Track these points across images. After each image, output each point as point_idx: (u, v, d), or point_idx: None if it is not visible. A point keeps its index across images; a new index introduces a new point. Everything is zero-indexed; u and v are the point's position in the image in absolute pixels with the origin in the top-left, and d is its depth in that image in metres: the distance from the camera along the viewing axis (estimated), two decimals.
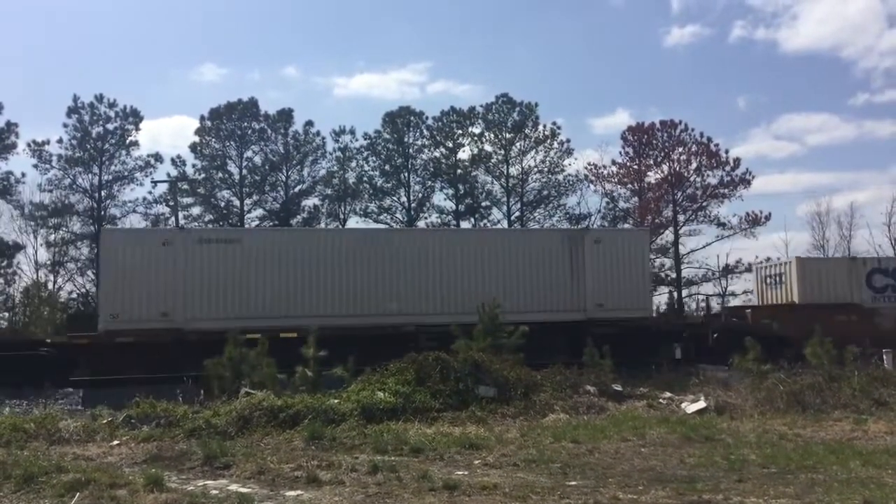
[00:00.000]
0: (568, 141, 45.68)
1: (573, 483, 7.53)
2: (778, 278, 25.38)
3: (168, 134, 64.93)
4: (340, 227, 44.83)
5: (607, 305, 22.23)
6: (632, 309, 22.35)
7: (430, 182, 45.47)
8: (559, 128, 45.72)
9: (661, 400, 13.50)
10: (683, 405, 12.89)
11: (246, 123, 43.99)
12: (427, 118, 45.25)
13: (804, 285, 24.10)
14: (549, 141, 45.33)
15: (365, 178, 45.09)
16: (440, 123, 45.33)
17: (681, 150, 44.48)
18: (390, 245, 21.96)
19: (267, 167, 44.05)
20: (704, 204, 44.36)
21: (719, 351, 20.49)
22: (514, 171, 45.27)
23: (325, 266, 21.08)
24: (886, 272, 24.87)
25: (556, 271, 22.31)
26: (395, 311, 21.29)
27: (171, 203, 42.47)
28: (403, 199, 45.08)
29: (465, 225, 45.45)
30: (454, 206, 45.32)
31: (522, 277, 22.09)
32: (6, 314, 40.04)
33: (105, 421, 11.06)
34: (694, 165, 44.24)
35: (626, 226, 45.49)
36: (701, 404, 12.61)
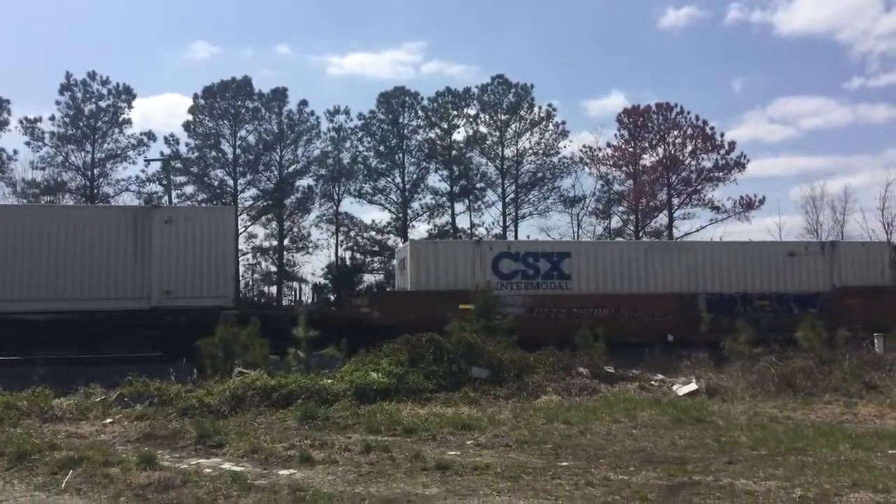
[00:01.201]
0: (563, 123, 45.62)
1: (565, 463, 7.58)
2: (402, 263, 23.88)
3: (160, 112, 64.62)
4: (334, 207, 44.81)
5: (177, 293, 19.71)
6: (208, 297, 19.72)
7: (424, 163, 45.37)
8: (555, 110, 45.63)
9: (652, 382, 13.56)
10: (675, 387, 12.95)
11: (240, 102, 43.71)
12: (422, 99, 45.11)
13: (418, 271, 22.18)
14: (544, 123, 45.24)
15: (359, 159, 44.97)
16: (435, 104, 45.15)
17: (676, 133, 44.47)
18: None
19: (261, 146, 43.83)
20: (699, 187, 44.41)
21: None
22: (508, 152, 45.22)
23: None
24: (516, 257, 22.74)
25: (116, 253, 19.67)
26: None
27: (165, 182, 42.30)
28: (398, 180, 44.98)
29: (458, 207, 45.43)
30: (448, 188, 45.25)
31: (77, 259, 19.48)
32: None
33: (98, 399, 11.07)
34: (689, 149, 44.24)
35: (621, 209, 45.54)
36: (692, 387, 12.68)
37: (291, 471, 7.32)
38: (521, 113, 45.11)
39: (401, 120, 44.83)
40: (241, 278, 41.10)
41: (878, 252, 24.51)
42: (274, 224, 44.60)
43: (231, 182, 43.98)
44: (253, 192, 44.44)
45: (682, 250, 24.09)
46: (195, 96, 43.73)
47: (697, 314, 21.68)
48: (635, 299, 22.41)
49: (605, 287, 22.66)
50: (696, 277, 22.98)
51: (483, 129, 45.13)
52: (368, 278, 44.53)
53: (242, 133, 43.87)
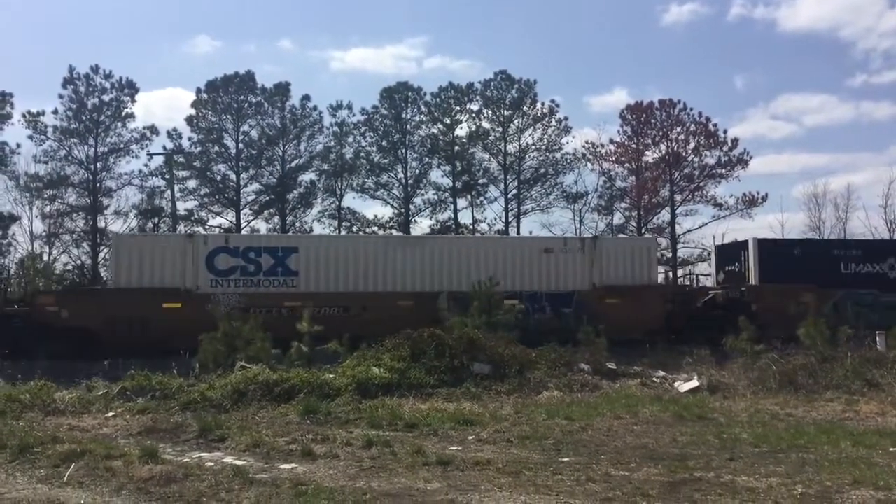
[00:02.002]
0: (566, 119, 45.51)
1: (566, 459, 7.59)
2: None
3: (162, 106, 64.50)
4: (337, 202, 44.79)
5: None
6: None
7: (427, 158, 45.29)
8: (557, 105, 45.55)
9: (654, 378, 13.58)
10: (676, 384, 12.96)
11: (242, 97, 43.64)
12: (425, 94, 45.01)
13: (119, 266, 20.01)
14: (547, 119, 45.14)
15: (362, 154, 44.90)
16: (438, 99, 45.06)
17: (679, 129, 44.35)
18: None
19: (263, 141, 43.78)
20: (702, 184, 44.31)
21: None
22: (511, 148, 45.12)
23: None
24: (235, 252, 20.74)
25: None
26: None
27: (167, 176, 42.28)
28: (400, 175, 44.93)
29: (461, 203, 45.38)
30: (451, 183, 45.20)
31: None
32: (0, 285, 39.94)
33: (100, 393, 11.10)
34: (692, 145, 44.14)
35: (623, 205, 45.53)
36: (694, 383, 12.69)
37: (293, 465, 7.34)
38: (524, 108, 45.04)
39: (403, 115, 44.77)
40: None
41: (644, 248, 23.07)
42: (276, 219, 44.60)
43: (234, 177, 43.96)
44: (255, 186, 44.42)
45: (424, 246, 22.20)
46: (198, 90, 43.71)
47: (437, 314, 18.99)
48: (367, 298, 20.69)
49: (337, 285, 20.88)
50: (438, 275, 21.38)
51: (486, 124, 45.10)
52: None
53: (245, 128, 43.82)
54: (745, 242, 24.00)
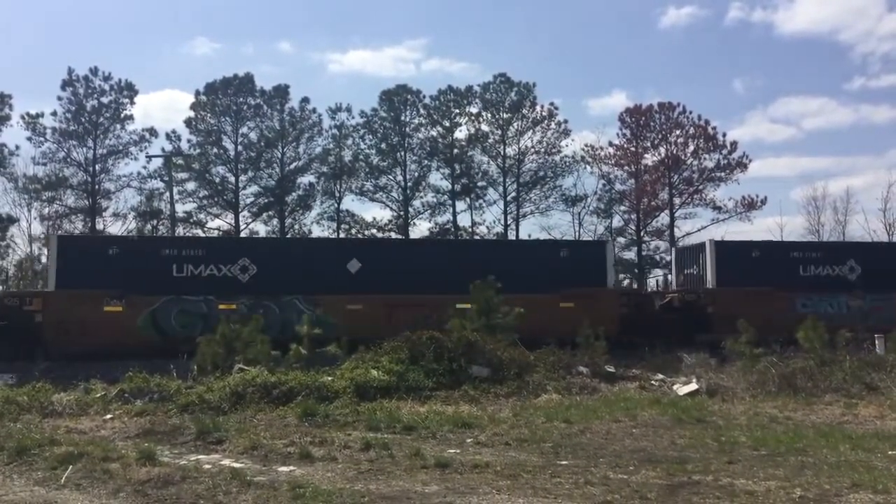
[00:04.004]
0: (565, 122, 45.54)
1: (564, 462, 7.58)
2: None
3: (160, 108, 64.45)
4: (336, 204, 44.77)
5: None
6: None
7: (426, 161, 45.31)
8: (557, 108, 45.54)
9: (653, 382, 13.58)
10: (675, 387, 12.95)
11: (241, 99, 43.67)
12: (424, 97, 45.04)
13: None
14: (546, 121, 45.18)
15: (361, 157, 44.93)
16: (437, 102, 45.09)
17: (678, 132, 44.42)
18: None
19: (262, 143, 43.79)
20: (701, 187, 44.37)
21: None
22: (510, 151, 45.15)
23: None
24: None
25: None
26: None
27: (166, 178, 42.28)
28: (399, 177, 44.95)
29: (460, 205, 45.38)
30: (450, 186, 45.21)
31: None
32: None
33: (98, 395, 11.08)
34: (691, 148, 44.21)
35: (622, 208, 45.54)
36: (693, 386, 12.68)
37: (291, 467, 7.33)
38: (523, 111, 45.07)
39: (402, 118, 44.79)
40: None
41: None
42: (275, 221, 44.60)
43: (232, 179, 43.97)
44: (254, 189, 44.45)
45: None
46: (197, 92, 43.74)
47: None
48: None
49: None
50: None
51: (485, 127, 45.12)
52: None
53: (244, 130, 43.85)
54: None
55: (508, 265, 20.47)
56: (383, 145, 44.83)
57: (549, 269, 21.42)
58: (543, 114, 45.17)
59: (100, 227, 41.55)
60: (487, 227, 45.30)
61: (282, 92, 43.96)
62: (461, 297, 16.56)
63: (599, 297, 21.04)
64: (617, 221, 46.29)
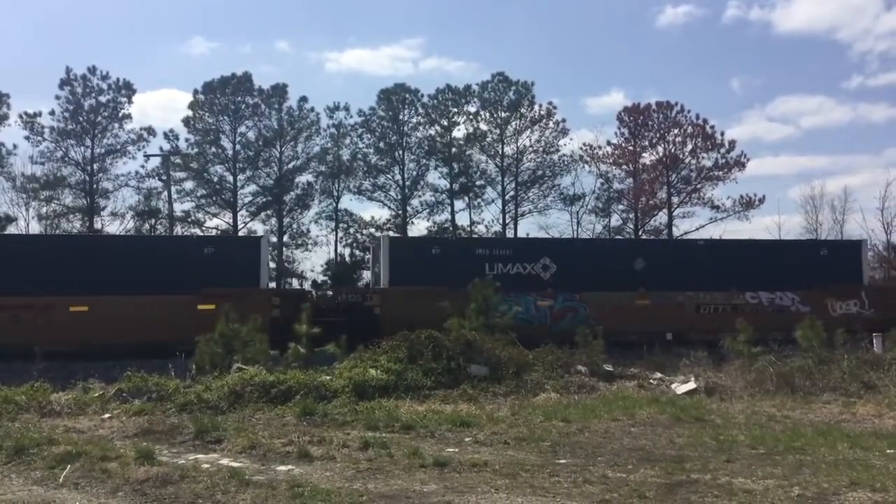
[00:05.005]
0: (563, 121, 45.47)
1: (563, 461, 7.58)
2: None
3: (157, 107, 64.28)
4: (334, 203, 44.77)
5: None
6: None
7: (424, 160, 45.26)
8: (555, 107, 45.48)
9: (651, 380, 13.58)
10: (674, 386, 12.96)
11: (240, 98, 43.58)
12: (422, 96, 44.99)
13: None
14: (544, 121, 45.13)
15: (359, 156, 44.89)
16: (435, 101, 45.05)
17: (676, 131, 44.38)
18: None
19: (260, 143, 43.72)
20: (699, 186, 44.36)
21: None
22: (508, 150, 45.08)
23: None
24: None
25: None
26: None
27: (164, 177, 42.23)
28: (398, 177, 44.93)
29: (458, 204, 45.38)
30: (448, 185, 45.21)
31: None
32: None
33: (97, 394, 11.07)
34: (689, 147, 44.16)
35: (620, 207, 45.56)
36: (691, 385, 12.70)
37: (289, 467, 7.33)
38: (522, 110, 45.02)
39: (401, 117, 44.73)
40: None
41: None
42: (273, 220, 44.57)
43: (230, 178, 43.89)
44: (252, 188, 44.35)
45: None
46: (195, 92, 43.62)
47: None
48: None
49: None
50: None
51: (483, 126, 45.06)
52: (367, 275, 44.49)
53: (242, 129, 43.75)
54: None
55: None
56: (381, 144, 44.79)
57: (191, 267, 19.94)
58: (542, 113, 45.15)
59: (97, 226, 41.50)
60: (486, 227, 45.32)
61: (280, 91, 43.91)
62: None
63: (249, 298, 19.03)
64: (615, 220, 46.32)
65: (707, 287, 22.30)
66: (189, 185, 43.87)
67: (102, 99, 41.79)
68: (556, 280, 22.02)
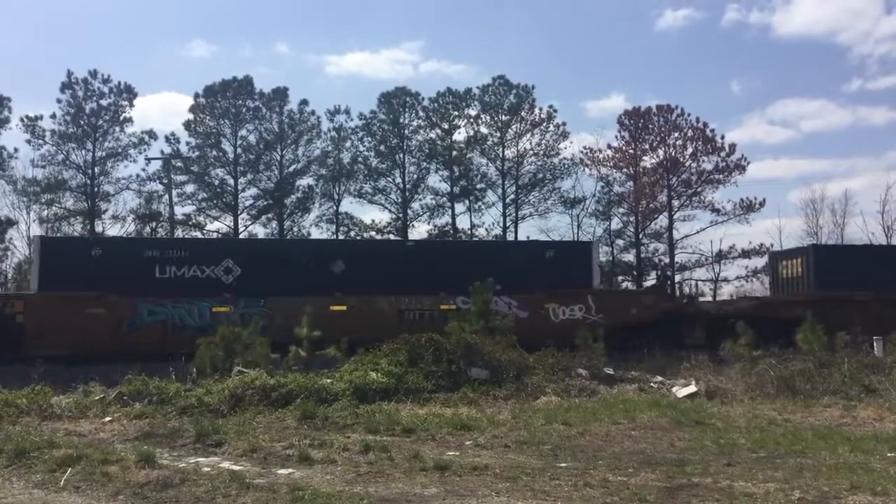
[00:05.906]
0: (564, 124, 45.57)
1: (563, 464, 7.58)
2: None
3: (157, 110, 64.50)
4: (334, 207, 44.79)
5: None
6: None
7: (424, 164, 45.32)
8: (555, 111, 45.54)
9: (652, 384, 13.57)
10: (674, 389, 12.95)
11: (240, 101, 43.66)
12: (423, 99, 45.07)
13: None
14: (544, 124, 45.21)
15: (360, 159, 44.95)
16: (436, 104, 45.13)
17: (677, 134, 44.45)
18: None
19: (261, 146, 43.80)
20: (699, 189, 44.42)
21: None
22: (509, 153, 45.16)
23: None
24: None
25: None
26: None
27: (165, 181, 42.28)
28: (398, 180, 44.96)
29: (459, 208, 45.38)
30: (449, 189, 45.24)
31: None
32: None
33: (97, 397, 11.07)
34: (689, 151, 44.22)
35: (621, 210, 45.54)
36: (692, 389, 12.69)
37: (290, 470, 7.32)
38: (522, 114, 45.10)
39: (401, 120, 44.80)
40: None
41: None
42: (274, 223, 44.61)
43: (231, 181, 43.95)
44: (253, 191, 44.44)
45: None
46: (196, 95, 43.76)
47: None
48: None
49: None
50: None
51: (484, 129, 45.16)
52: None
53: (243, 132, 43.85)
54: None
55: None
56: (382, 147, 44.85)
57: None
58: (542, 116, 45.23)
59: (99, 229, 41.54)
60: (486, 230, 45.34)
61: (280, 94, 43.98)
62: None
63: None
64: (616, 224, 46.35)
65: (413, 291, 20.92)
66: (190, 188, 44.03)
67: (103, 102, 41.93)
68: (240, 284, 20.31)
